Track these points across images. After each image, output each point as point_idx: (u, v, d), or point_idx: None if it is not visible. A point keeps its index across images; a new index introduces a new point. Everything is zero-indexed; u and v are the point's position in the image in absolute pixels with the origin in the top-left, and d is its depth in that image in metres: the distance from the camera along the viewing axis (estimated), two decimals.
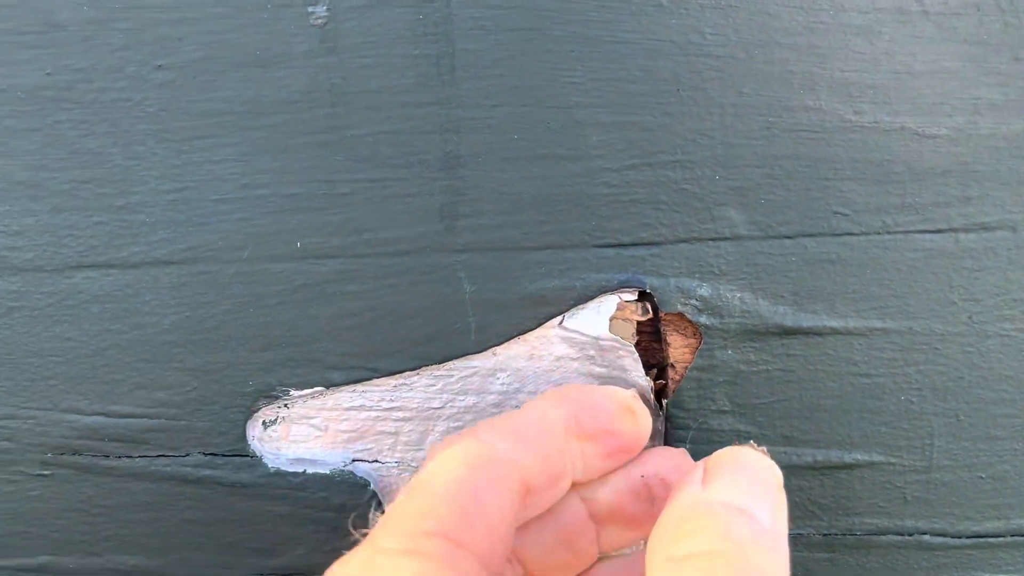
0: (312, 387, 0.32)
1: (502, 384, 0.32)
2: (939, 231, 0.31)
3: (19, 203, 0.30)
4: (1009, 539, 0.33)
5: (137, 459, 0.32)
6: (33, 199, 0.30)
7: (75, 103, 0.30)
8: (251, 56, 0.30)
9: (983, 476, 0.33)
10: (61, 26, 0.29)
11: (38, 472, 0.32)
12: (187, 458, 0.32)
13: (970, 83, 0.31)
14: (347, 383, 0.32)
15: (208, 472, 0.32)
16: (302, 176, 0.30)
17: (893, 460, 0.33)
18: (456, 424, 0.33)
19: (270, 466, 0.32)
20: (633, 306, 0.32)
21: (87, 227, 0.30)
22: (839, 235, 0.31)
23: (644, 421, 0.27)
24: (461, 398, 0.32)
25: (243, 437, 0.32)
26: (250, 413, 0.32)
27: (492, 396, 0.32)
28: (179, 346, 0.31)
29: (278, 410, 0.32)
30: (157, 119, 0.30)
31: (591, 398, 0.26)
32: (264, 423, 0.32)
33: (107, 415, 0.32)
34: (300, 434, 0.33)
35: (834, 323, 0.32)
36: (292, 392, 0.32)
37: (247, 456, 0.32)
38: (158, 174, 0.30)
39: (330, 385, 0.32)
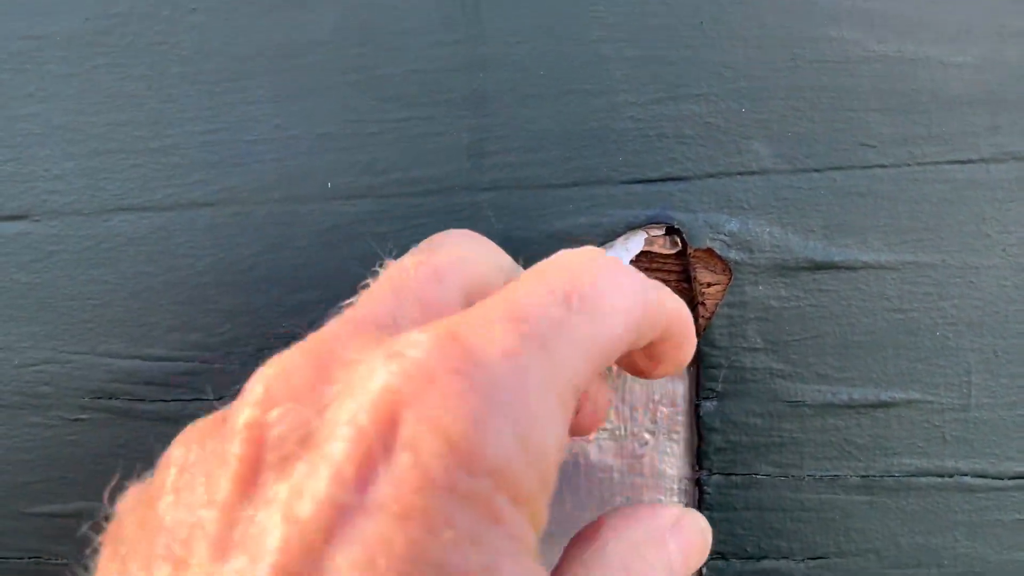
0: None
1: None
2: (969, 162, 0.31)
3: (58, 147, 0.31)
4: None
5: (171, 403, 0.32)
6: (71, 143, 0.31)
7: (112, 47, 0.31)
8: None
9: (1023, 414, 0.32)
10: None
11: (75, 417, 0.32)
12: (221, 401, 0.32)
13: (995, 10, 0.31)
14: None
15: None
16: (332, 116, 0.31)
17: (930, 398, 0.32)
18: None
19: None
20: (662, 240, 0.32)
21: (123, 170, 0.31)
22: (868, 167, 0.31)
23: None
24: None
25: None
26: None
27: None
28: (213, 287, 0.32)
29: None
30: (191, 62, 0.31)
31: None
32: None
33: (143, 358, 0.32)
34: None
35: (866, 257, 0.32)
36: None
37: None
38: (192, 116, 0.31)
39: None
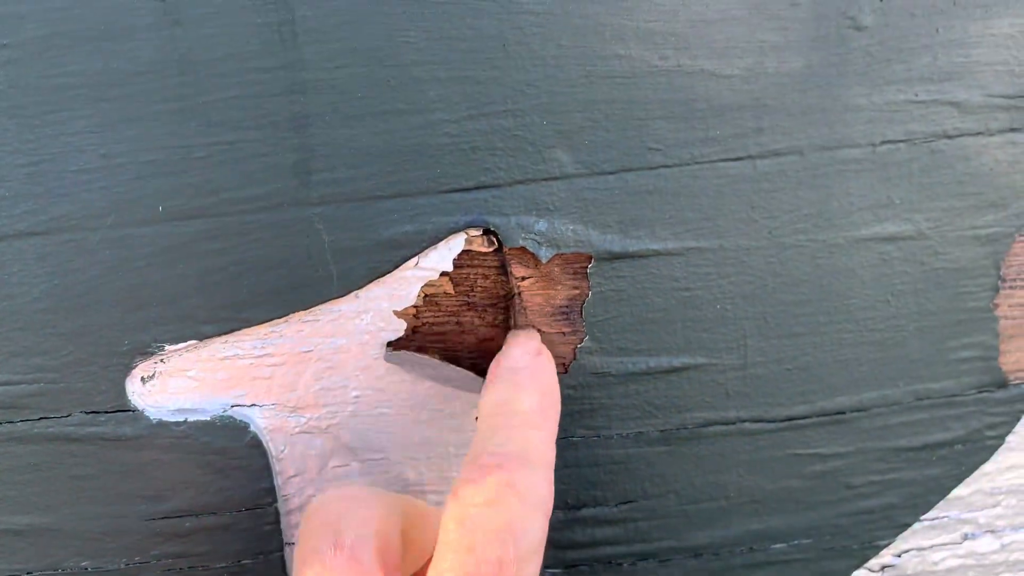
0: (186, 341, 0.34)
1: (367, 324, 0.35)
2: (739, 159, 0.36)
3: None
4: (815, 420, 0.39)
5: (19, 423, 0.33)
6: None
7: None
8: (97, 31, 0.31)
9: (790, 368, 0.38)
10: None
11: None
12: (69, 418, 0.34)
13: (755, 28, 0.35)
14: (219, 335, 0.34)
15: (91, 429, 0.34)
16: (159, 143, 0.32)
17: (714, 361, 0.38)
18: (327, 365, 0.35)
19: (152, 418, 0.34)
20: (480, 239, 0.35)
21: None
22: (654, 168, 0.36)
23: None
24: (330, 340, 0.35)
25: (123, 394, 0.34)
26: (128, 370, 0.34)
27: (360, 336, 0.35)
28: (51, 313, 0.33)
29: (155, 365, 0.34)
30: (7, 96, 0.31)
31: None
32: (143, 378, 0.34)
33: None
34: (178, 386, 0.35)
35: (656, 246, 0.36)
36: (167, 347, 0.34)
37: (129, 411, 0.34)
38: (12, 149, 0.31)
39: (203, 338, 0.34)
